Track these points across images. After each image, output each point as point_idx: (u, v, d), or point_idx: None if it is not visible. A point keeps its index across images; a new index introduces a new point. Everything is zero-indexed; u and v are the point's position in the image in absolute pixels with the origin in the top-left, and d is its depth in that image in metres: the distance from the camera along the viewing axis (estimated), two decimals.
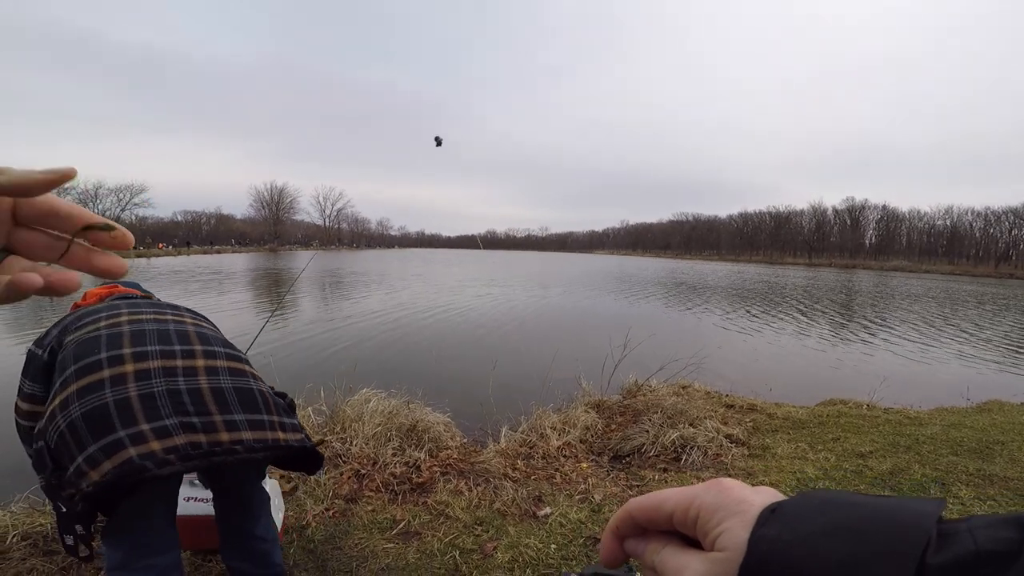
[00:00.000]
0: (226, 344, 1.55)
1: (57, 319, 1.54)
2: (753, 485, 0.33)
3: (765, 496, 0.31)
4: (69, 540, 1.33)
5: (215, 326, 1.70)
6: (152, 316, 1.49)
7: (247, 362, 1.55)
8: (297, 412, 1.69)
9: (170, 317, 1.52)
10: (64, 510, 1.29)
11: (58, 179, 0.34)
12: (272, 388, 1.63)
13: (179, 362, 1.36)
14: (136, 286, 1.89)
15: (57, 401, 1.26)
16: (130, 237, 0.36)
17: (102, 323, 1.42)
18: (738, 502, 0.31)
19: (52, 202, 0.35)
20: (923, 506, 0.27)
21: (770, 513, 0.29)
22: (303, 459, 1.60)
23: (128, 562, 1.42)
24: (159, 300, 1.77)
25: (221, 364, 1.43)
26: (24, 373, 1.44)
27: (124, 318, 1.45)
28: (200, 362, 1.40)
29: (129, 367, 1.30)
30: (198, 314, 1.69)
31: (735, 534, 0.29)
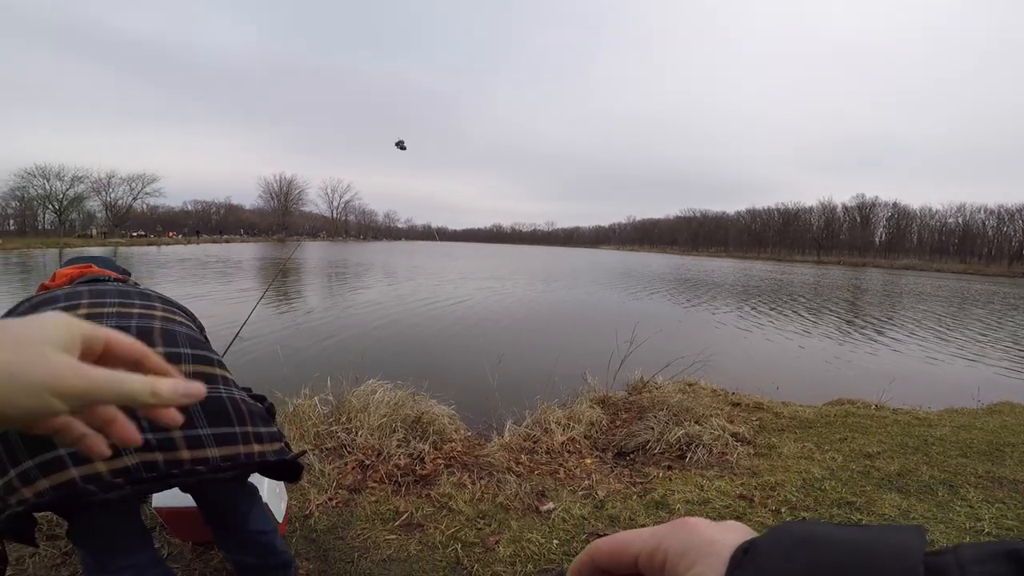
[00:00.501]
0: (195, 344, 1.37)
1: (13, 304, 1.38)
2: (730, 510, 0.31)
3: (736, 534, 0.29)
4: None
5: (191, 318, 1.52)
6: (115, 310, 1.31)
7: (219, 364, 1.38)
8: (277, 416, 1.56)
9: (136, 311, 1.34)
10: None
11: (189, 402, 0.38)
12: (249, 390, 1.49)
13: None
14: (111, 264, 1.70)
15: None
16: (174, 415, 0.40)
17: None
18: (708, 543, 0.29)
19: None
20: (905, 538, 0.25)
21: (743, 554, 0.27)
22: (283, 468, 1.46)
23: (104, 564, 1.33)
24: (133, 285, 1.58)
25: (185, 370, 1.25)
26: None
27: (82, 311, 1.28)
28: None
29: None
30: (172, 304, 1.50)
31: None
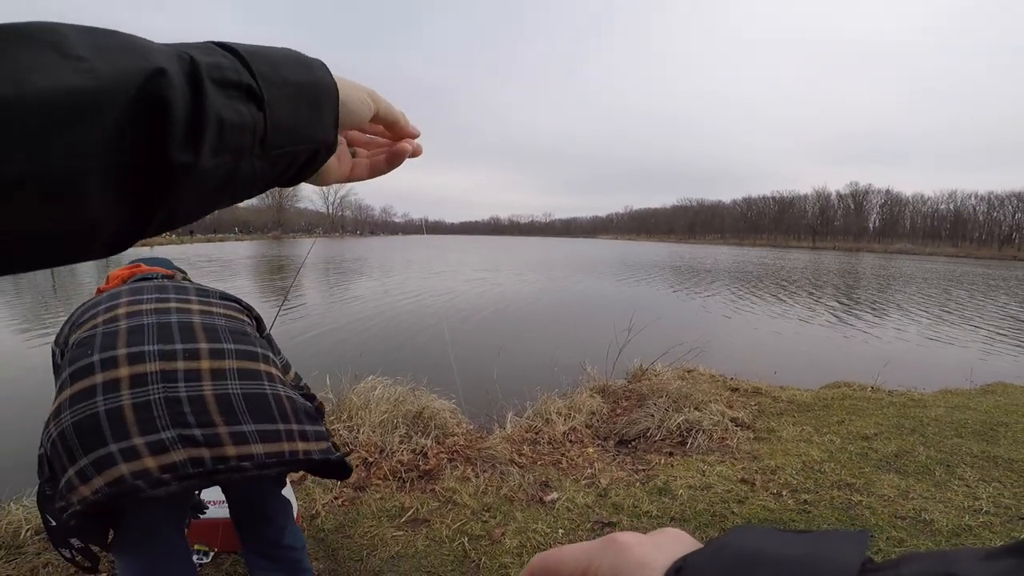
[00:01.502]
0: (239, 338, 1.35)
1: (71, 312, 1.41)
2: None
3: (670, 551, 0.27)
4: (67, 553, 1.25)
5: (236, 309, 1.48)
6: (154, 306, 1.32)
7: (265, 359, 1.36)
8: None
9: (174, 306, 1.34)
10: (53, 523, 1.20)
11: (417, 133, 0.54)
12: (302, 386, 1.48)
13: (180, 364, 1.20)
14: (160, 262, 1.70)
15: (53, 407, 1.17)
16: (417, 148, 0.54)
17: (100, 318, 1.29)
18: (638, 565, 0.27)
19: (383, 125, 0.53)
20: (843, 552, 0.24)
21: (674, 574, 0.26)
22: (330, 467, 1.44)
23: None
24: (180, 281, 1.58)
25: (230, 365, 1.26)
26: (53, 370, 1.36)
27: (122, 310, 1.30)
28: (205, 363, 1.23)
29: (124, 371, 1.16)
30: (212, 296, 1.47)
31: None
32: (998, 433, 3.74)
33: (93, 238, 0.33)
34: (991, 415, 4.17)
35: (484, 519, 2.62)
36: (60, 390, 1.18)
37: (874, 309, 13.86)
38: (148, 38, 0.33)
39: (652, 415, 3.95)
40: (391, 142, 0.54)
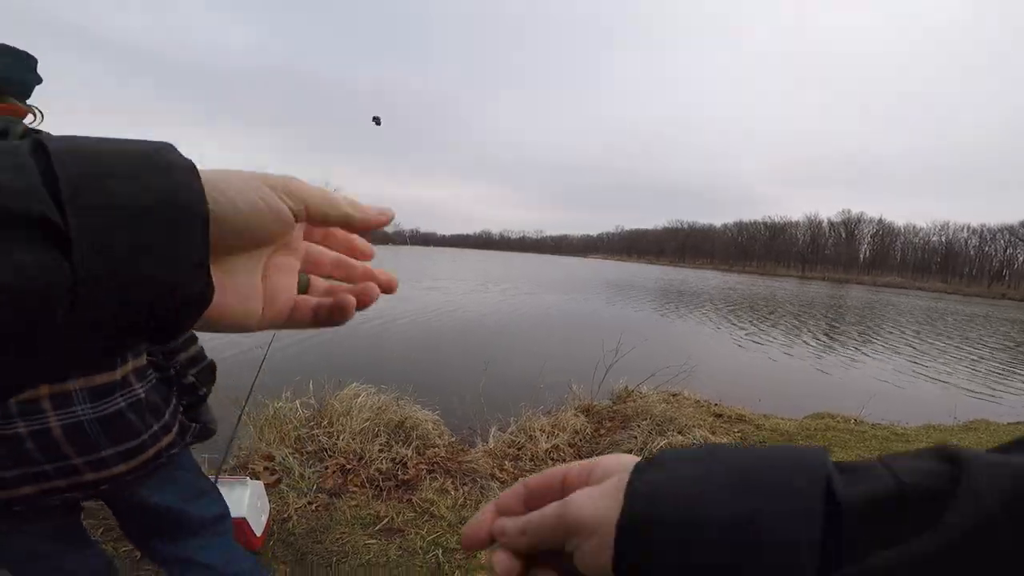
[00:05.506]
0: None
1: None
2: None
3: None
4: None
5: None
6: None
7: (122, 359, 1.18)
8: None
9: None
10: None
11: (385, 221, 0.38)
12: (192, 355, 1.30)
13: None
14: None
15: None
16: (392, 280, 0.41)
17: None
18: (633, 461, 0.32)
19: (352, 238, 0.40)
20: (808, 449, 0.28)
21: (646, 464, 0.31)
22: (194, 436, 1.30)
23: None
24: None
25: (74, 386, 1.09)
26: None
27: None
28: (44, 390, 1.09)
29: None
30: None
31: (622, 478, 0.31)
32: None
33: None
34: None
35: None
36: None
37: (861, 345, 13.98)
38: None
39: (635, 437, 3.94)
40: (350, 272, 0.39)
